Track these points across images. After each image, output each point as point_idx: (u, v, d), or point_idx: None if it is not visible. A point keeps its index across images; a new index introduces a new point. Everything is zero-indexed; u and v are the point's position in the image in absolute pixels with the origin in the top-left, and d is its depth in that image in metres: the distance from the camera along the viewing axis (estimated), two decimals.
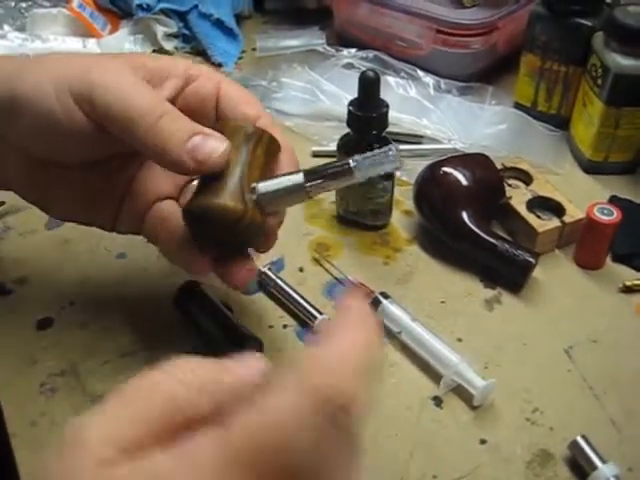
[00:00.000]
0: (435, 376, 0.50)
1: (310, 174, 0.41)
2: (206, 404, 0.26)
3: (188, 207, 0.42)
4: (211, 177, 0.41)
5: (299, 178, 0.41)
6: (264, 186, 0.41)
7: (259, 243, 0.46)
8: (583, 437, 0.44)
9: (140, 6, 0.85)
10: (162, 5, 0.86)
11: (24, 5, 0.90)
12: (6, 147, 0.45)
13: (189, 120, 0.41)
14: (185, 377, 0.26)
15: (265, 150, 0.43)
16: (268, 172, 0.43)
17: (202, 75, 0.46)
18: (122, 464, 0.24)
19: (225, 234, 0.42)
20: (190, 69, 0.46)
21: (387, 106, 0.56)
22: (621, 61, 0.63)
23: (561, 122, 0.74)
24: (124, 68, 0.42)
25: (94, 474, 0.23)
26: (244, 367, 0.28)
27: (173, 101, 0.44)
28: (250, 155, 0.42)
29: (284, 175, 0.42)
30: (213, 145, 0.40)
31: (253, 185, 0.41)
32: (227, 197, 0.40)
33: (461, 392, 0.49)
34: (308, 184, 0.41)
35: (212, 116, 0.46)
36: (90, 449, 0.24)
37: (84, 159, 0.45)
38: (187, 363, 0.27)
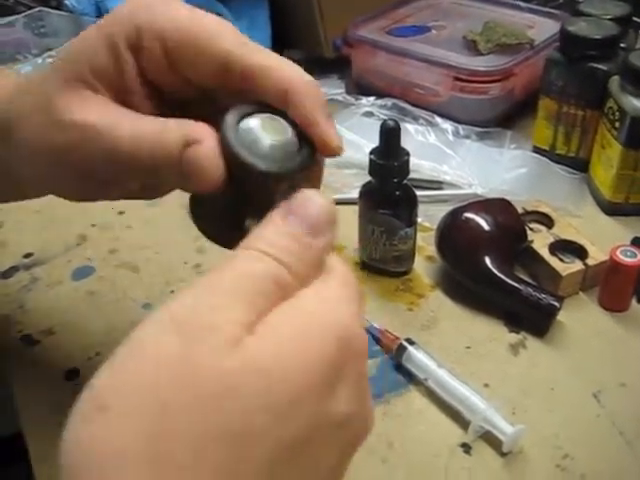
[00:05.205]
0: (463, 423, 0.49)
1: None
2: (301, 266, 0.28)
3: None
4: None
5: None
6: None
7: None
8: None
9: None
10: None
11: None
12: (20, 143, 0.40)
13: None
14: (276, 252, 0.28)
15: None
16: None
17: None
18: (249, 337, 0.25)
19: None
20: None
21: (408, 154, 0.57)
22: (638, 104, 0.63)
23: (580, 164, 0.74)
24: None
25: (229, 352, 0.25)
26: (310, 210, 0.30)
27: None
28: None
29: None
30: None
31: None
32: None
33: (490, 438, 0.48)
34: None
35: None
36: (222, 330, 0.25)
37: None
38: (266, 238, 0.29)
